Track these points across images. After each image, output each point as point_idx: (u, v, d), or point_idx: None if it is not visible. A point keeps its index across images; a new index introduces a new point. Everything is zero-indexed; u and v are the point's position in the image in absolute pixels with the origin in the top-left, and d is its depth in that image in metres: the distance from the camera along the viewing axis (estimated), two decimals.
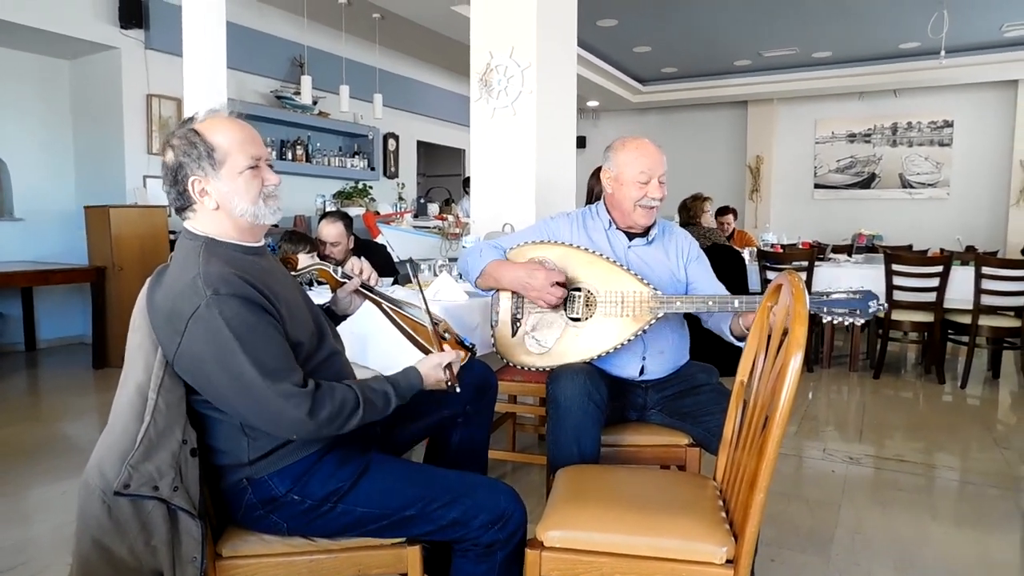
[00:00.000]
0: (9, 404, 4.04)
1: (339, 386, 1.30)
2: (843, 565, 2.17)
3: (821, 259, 5.34)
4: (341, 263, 2.44)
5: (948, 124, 8.79)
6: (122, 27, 5.25)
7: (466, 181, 8.99)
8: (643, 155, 1.96)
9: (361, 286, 1.66)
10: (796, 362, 1.19)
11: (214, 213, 1.31)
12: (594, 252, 1.97)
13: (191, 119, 1.32)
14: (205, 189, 1.30)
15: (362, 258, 1.70)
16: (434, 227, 5.93)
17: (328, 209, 6.10)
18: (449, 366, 1.49)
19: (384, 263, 3.70)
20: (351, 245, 3.49)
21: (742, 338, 1.88)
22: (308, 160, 6.66)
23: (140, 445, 1.20)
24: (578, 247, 1.99)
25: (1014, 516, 2.62)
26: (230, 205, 1.31)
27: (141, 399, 1.24)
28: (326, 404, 1.25)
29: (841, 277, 4.80)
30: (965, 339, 4.60)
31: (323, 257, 3.34)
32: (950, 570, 2.16)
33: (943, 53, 5.98)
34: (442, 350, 1.57)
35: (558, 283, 1.91)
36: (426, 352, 1.67)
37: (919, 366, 5.31)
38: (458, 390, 1.50)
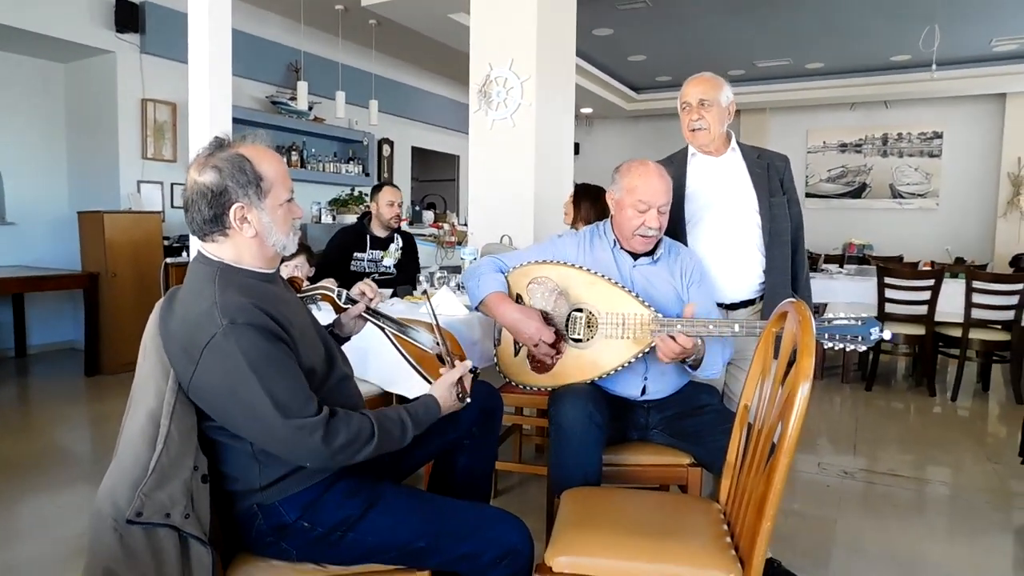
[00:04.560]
0: (0, 413, 4.00)
1: (355, 415, 1.30)
2: None
3: (814, 270, 5.38)
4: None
5: (938, 135, 8.89)
6: (118, 31, 5.22)
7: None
8: (644, 184, 1.93)
9: (365, 310, 1.66)
10: (804, 391, 1.21)
11: (247, 240, 1.31)
12: (596, 273, 1.97)
13: (226, 143, 1.30)
14: (246, 217, 1.29)
15: (368, 280, 1.70)
16: (429, 235, 5.93)
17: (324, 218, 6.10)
18: (460, 381, 1.49)
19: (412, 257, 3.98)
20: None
21: None
22: (303, 166, 6.64)
23: (152, 473, 1.20)
24: (580, 267, 2.00)
25: (1007, 531, 2.66)
26: (267, 234, 1.32)
27: (153, 426, 1.24)
28: (341, 432, 1.24)
29: (836, 290, 4.84)
30: (955, 352, 4.66)
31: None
32: None
33: (934, 67, 6.05)
34: None
35: (548, 342, 1.93)
36: (428, 381, 1.66)
37: (910, 378, 5.36)
38: (468, 400, 1.50)
